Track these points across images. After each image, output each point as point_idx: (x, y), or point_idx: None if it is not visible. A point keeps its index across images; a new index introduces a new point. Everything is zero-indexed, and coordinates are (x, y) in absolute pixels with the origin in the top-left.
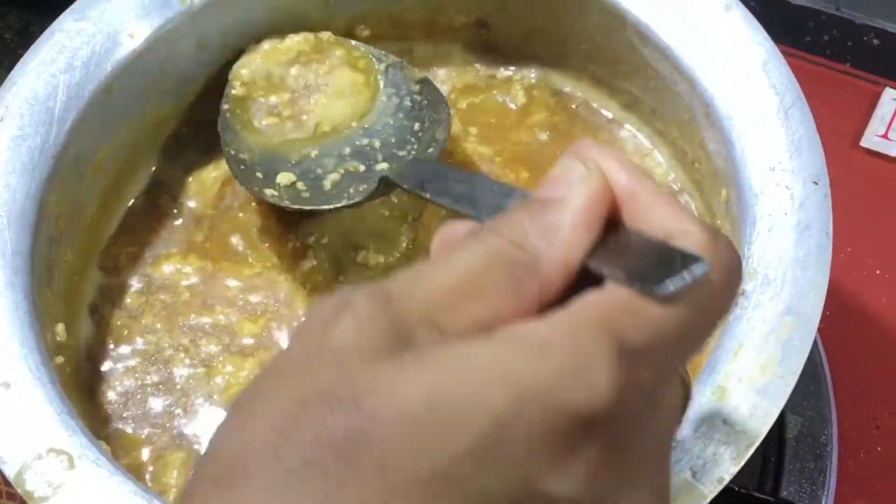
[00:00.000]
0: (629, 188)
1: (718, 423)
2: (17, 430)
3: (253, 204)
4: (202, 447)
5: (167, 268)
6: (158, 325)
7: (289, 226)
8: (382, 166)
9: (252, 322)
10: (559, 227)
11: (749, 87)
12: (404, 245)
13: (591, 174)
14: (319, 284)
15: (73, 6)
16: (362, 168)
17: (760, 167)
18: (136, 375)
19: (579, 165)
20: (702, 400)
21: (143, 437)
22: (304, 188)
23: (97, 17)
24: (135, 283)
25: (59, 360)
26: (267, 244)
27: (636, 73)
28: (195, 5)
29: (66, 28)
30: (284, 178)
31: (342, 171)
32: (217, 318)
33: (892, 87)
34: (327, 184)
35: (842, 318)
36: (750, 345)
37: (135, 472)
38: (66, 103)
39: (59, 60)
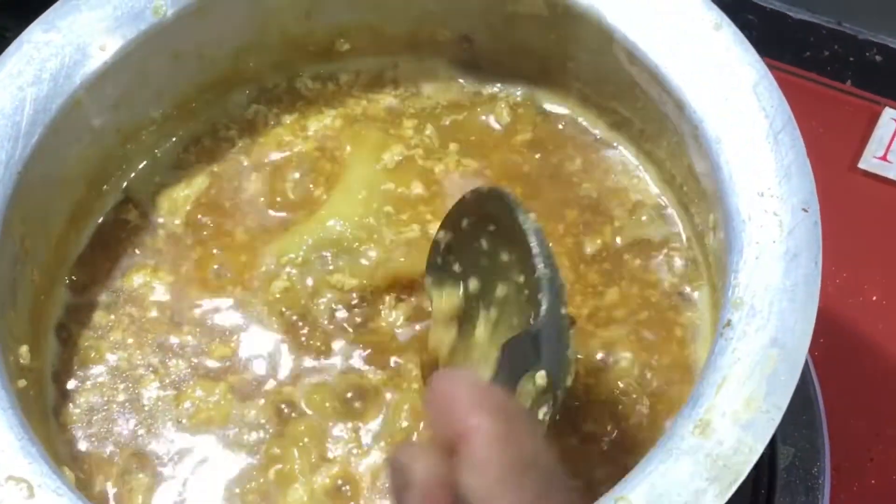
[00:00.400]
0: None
1: (701, 458)
2: None
3: (225, 225)
4: (167, 471)
5: (137, 279)
6: (129, 341)
7: (262, 246)
8: None
9: (223, 344)
10: None
11: (738, 110)
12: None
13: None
14: (293, 306)
15: (43, 17)
16: None
17: (749, 192)
18: (104, 396)
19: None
20: (684, 434)
21: (107, 460)
22: None
23: (67, 28)
24: (103, 299)
25: (22, 383)
26: (240, 264)
27: (624, 92)
28: (168, 17)
29: (34, 39)
30: None
31: None
32: (186, 339)
33: (892, 106)
34: None
35: (836, 345)
36: (734, 378)
37: (98, 498)
38: (33, 117)
39: (27, 73)
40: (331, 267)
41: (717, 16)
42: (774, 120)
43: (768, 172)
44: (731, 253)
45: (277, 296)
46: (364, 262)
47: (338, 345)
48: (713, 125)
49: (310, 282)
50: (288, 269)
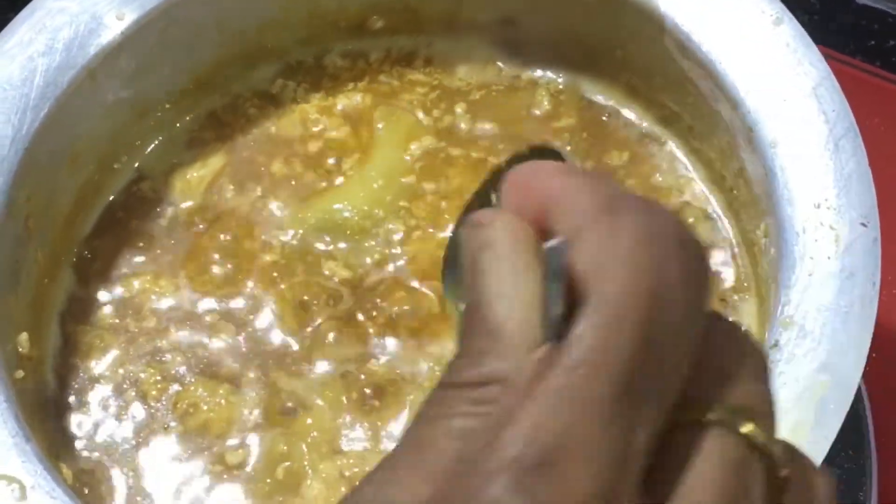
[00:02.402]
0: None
1: None
2: None
3: (239, 209)
4: (169, 471)
5: (144, 267)
6: (132, 334)
7: (273, 229)
8: None
9: (227, 338)
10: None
11: (797, 112)
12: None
13: None
14: (305, 305)
15: None
16: None
17: (804, 203)
18: (104, 390)
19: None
20: None
21: (106, 457)
22: None
23: None
24: (106, 295)
25: (20, 374)
26: (249, 252)
27: (673, 85)
28: None
29: (47, 6)
30: None
31: None
32: (189, 333)
33: None
34: None
35: (888, 362)
36: (780, 404)
37: (96, 498)
38: (43, 89)
39: (38, 41)
40: (327, 250)
41: (777, 9)
42: (835, 125)
43: (826, 182)
44: (782, 268)
45: (282, 286)
46: (361, 255)
47: (344, 340)
48: (769, 128)
49: (301, 265)
50: (281, 245)
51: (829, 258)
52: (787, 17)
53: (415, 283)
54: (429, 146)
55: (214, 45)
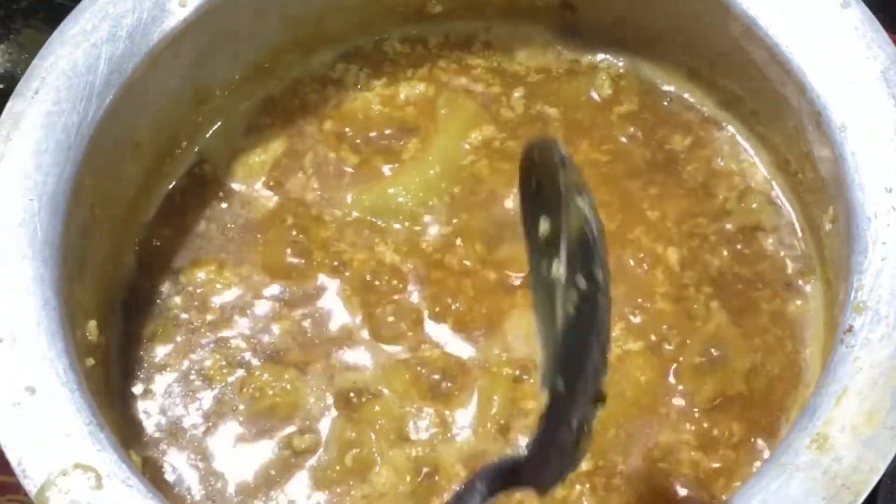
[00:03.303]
0: None
1: (818, 475)
2: (41, 442)
3: (300, 195)
4: (234, 457)
5: (207, 255)
6: (196, 321)
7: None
8: None
9: (292, 324)
10: None
11: (866, 96)
12: None
13: None
14: (367, 289)
15: None
16: None
17: (875, 187)
18: (170, 377)
19: None
20: (800, 448)
21: (174, 445)
22: None
23: None
24: (170, 283)
25: (90, 362)
26: (314, 237)
27: (737, 70)
28: None
29: None
30: None
31: None
32: (254, 320)
33: None
34: None
35: None
36: (855, 389)
37: (165, 484)
38: (108, 77)
39: (102, 29)
40: (382, 234)
41: None
42: None
43: None
44: (854, 252)
45: (346, 273)
46: (414, 240)
47: (412, 325)
48: (838, 112)
49: (357, 249)
50: (339, 229)
51: None
52: (854, 0)
53: (469, 268)
54: (489, 135)
55: (274, 31)
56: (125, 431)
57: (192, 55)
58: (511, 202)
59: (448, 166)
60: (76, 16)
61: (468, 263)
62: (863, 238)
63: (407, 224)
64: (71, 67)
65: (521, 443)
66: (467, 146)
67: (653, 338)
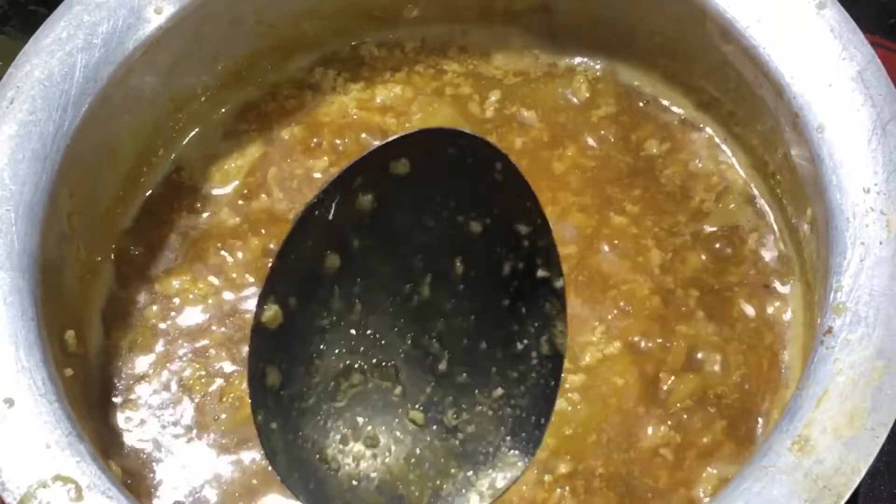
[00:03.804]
0: None
1: (800, 477)
2: (21, 453)
3: (276, 202)
4: (218, 469)
5: (183, 263)
6: (175, 330)
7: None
8: None
9: None
10: None
11: (843, 98)
12: None
13: None
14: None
15: None
16: None
17: (853, 188)
18: (150, 386)
19: None
20: (781, 450)
21: (155, 454)
22: None
23: None
24: (147, 293)
25: (69, 372)
26: None
27: (714, 71)
28: None
29: (85, 0)
30: None
31: None
32: (233, 328)
33: None
34: None
35: None
36: (835, 391)
37: (145, 494)
38: (83, 85)
39: (77, 37)
40: None
41: None
42: (882, 110)
43: (875, 167)
44: (833, 253)
45: None
46: None
47: None
48: (815, 113)
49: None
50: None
51: (880, 243)
52: (831, 1)
53: None
54: None
55: (251, 37)
56: (105, 441)
57: (169, 62)
58: None
59: None
60: (51, 24)
61: None
62: (841, 239)
63: None
64: (46, 76)
65: None
66: None
67: (632, 340)
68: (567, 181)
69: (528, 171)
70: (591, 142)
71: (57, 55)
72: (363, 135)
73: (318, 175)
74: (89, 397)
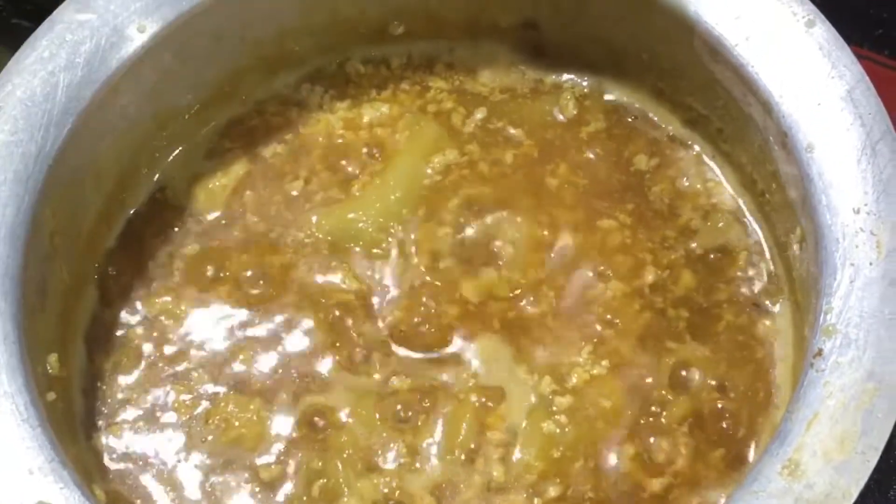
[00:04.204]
0: None
1: (790, 502)
2: (3, 480)
3: (260, 221)
4: (201, 489)
5: (167, 285)
6: (158, 352)
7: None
8: None
9: (255, 353)
10: None
11: (832, 117)
12: None
13: None
14: (331, 315)
15: None
16: None
17: (843, 208)
18: (133, 410)
19: None
20: (771, 475)
21: (138, 478)
22: None
23: (103, 7)
24: (130, 314)
25: (51, 396)
26: (269, 268)
27: (703, 88)
28: None
29: (67, 19)
30: None
31: None
32: (216, 350)
33: None
34: None
35: None
36: (826, 414)
37: None
38: (66, 105)
39: (59, 56)
40: (341, 261)
41: (810, 11)
42: (872, 129)
43: (865, 187)
44: (823, 274)
45: (301, 299)
46: (373, 267)
47: (377, 353)
48: (804, 132)
49: (315, 274)
50: (299, 255)
51: (870, 264)
52: (820, 19)
53: (432, 294)
54: (452, 160)
55: (236, 54)
56: (89, 466)
57: (152, 81)
58: (474, 227)
59: (409, 191)
60: (33, 43)
61: (431, 290)
62: (831, 260)
63: (367, 249)
64: (28, 96)
65: (490, 470)
66: (429, 170)
67: (619, 361)
68: (559, 198)
69: (519, 188)
70: (580, 158)
71: (39, 74)
72: (349, 154)
73: (309, 193)
74: (72, 421)
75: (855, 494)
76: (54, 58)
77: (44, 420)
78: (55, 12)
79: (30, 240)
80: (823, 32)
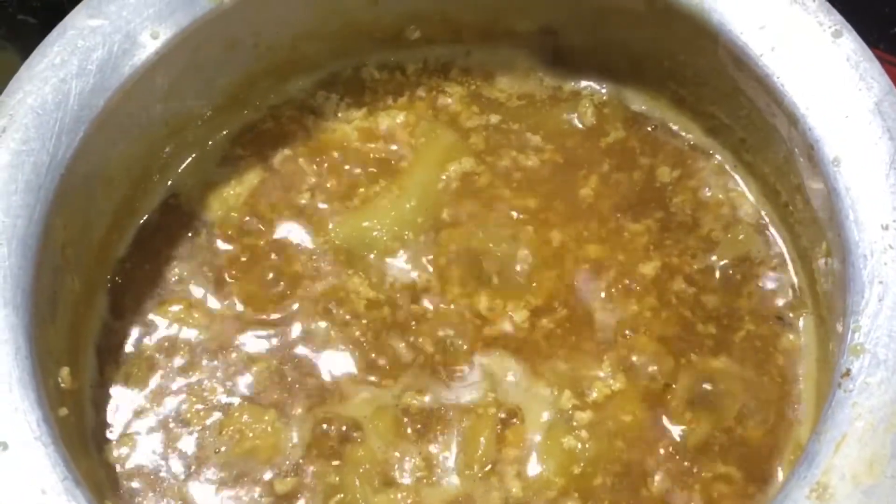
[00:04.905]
0: None
1: None
2: (15, 499)
3: (274, 230)
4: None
5: (180, 294)
6: (172, 363)
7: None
8: None
9: (269, 368)
10: None
11: (860, 129)
12: None
13: None
14: (346, 325)
15: (88, 0)
16: None
17: (871, 224)
18: (145, 422)
19: None
20: (799, 498)
21: (151, 493)
22: None
23: (115, 13)
24: (141, 325)
25: (63, 411)
26: (283, 277)
27: (725, 98)
28: (226, 3)
29: (79, 25)
30: None
31: None
32: (231, 360)
33: None
34: None
35: None
36: (854, 436)
37: None
38: (78, 113)
39: (71, 63)
40: (351, 271)
41: (836, 21)
42: None
43: (894, 202)
44: (850, 292)
45: (322, 310)
46: (388, 276)
47: (394, 364)
48: (831, 145)
49: (328, 283)
50: (312, 264)
51: None
52: (847, 29)
53: (447, 307)
54: (468, 168)
55: (249, 61)
56: (100, 480)
57: (165, 88)
58: (491, 238)
59: (424, 199)
60: (43, 49)
61: (447, 301)
62: (859, 277)
63: (382, 258)
64: (40, 104)
65: (509, 486)
66: (445, 178)
67: (640, 374)
68: (579, 208)
69: (537, 198)
70: (601, 168)
71: (51, 82)
72: (364, 162)
73: (323, 201)
74: (84, 434)
75: None
76: (66, 64)
77: (56, 437)
78: (67, 18)
79: (41, 250)
80: (850, 43)
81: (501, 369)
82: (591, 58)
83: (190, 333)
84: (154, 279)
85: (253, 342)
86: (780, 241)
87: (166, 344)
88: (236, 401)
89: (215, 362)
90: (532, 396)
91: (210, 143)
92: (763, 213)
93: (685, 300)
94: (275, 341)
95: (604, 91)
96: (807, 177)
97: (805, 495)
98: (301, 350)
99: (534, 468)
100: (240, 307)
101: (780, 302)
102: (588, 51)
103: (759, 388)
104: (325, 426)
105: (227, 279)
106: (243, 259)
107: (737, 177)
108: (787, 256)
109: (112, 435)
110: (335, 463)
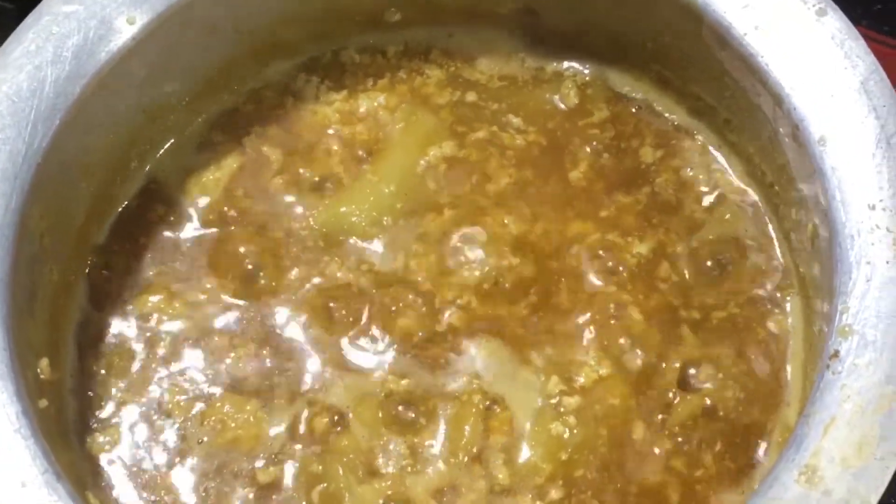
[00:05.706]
0: None
1: None
2: None
3: (254, 216)
4: (199, 498)
5: (158, 282)
6: (151, 353)
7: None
8: None
9: (251, 351)
10: None
11: (846, 109)
12: None
13: None
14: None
15: None
16: None
17: (858, 204)
18: (126, 412)
19: None
20: (788, 482)
21: (132, 483)
22: None
23: None
24: (121, 314)
25: (43, 403)
26: (264, 263)
27: (710, 78)
28: None
29: (54, 11)
30: None
31: None
32: (212, 349)
33: None
34: None
35: None
36: (843, 419)
37: None
38: (54, 100)
39: (46, 50)
40: (329, 257)
41: (821, 0)
42: (887, 122)
43: (880, 182)
44: (837, 272)
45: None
46: (367, 262)
47: (375, 351)
48: (817, 125)
49: (312, 268)
50: (291, 249)
51: (887, 262)
52: (831, 7)
53: (425, 291)
54: (448, 152)
55: (227, 45)
56: (82, 472)
57: (142, 74)
58: (471, 223)
59: (403, 184)
60: (18, 36)
61: (430, 287)
62: (846, 257)
63: (360, 243)
64: (14, 91)
65: (495, 473)
66: (425, 162)
67: (627, 358)
68: (564, 190)
69: (519, 181)
70: (584, 149)
71: (25, 69)
72: (344, 146)
73: (302, 186)
74: (65, 426)
75: (874, 501)
76: (41, 51)
77: (36, 430)
78: (42, 3)
79: (18, 241)
80: (835, 21)
81: (487, 355)
82: (573, 39)
83: (170, 323)
84: (133, 268)
85: (233, 330)
86: (766, 221)
87: (147, 334)
88: (218, 391)
89: (196, 351)
90: (518, 382)
91: (188, 128)
92: (748, 193)
93: (671, 282)
94: (256, 328)
95: (587, 72)
96: (792, 157)
97: (794, 478)
98: (282, 337)
99: (521, 455)
100: (219, 294)
101: (767, 283)
102: (570, 32)
103: (746, 369)
104: (307, 415)
105: (207, 266)
106: (222, 245)
107: (721, 157)
108: (773, 236)
109: (93, 426)
110: (318, 452)
